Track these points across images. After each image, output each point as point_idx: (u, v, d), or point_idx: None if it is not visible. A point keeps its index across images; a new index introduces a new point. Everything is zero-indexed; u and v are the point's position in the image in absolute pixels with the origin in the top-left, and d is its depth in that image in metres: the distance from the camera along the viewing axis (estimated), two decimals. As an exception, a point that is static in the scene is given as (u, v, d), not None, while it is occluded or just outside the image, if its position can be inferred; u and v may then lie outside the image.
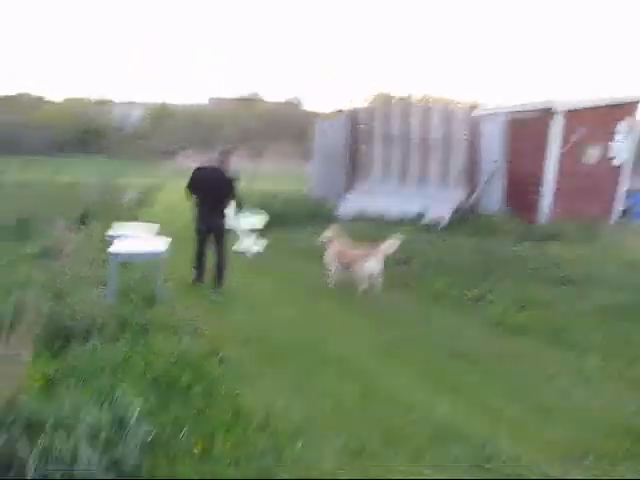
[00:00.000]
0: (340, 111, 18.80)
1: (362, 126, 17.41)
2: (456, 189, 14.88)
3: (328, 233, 10.00)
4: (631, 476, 4.14)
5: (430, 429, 4.69)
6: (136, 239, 7.02)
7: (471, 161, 14.91)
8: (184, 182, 9.56)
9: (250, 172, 36.24)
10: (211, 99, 70.55)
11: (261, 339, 6.89)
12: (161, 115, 63.05)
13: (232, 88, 67.55)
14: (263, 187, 26.10)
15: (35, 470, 2.91)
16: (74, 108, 61.26)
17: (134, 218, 16.70)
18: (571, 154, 13.71)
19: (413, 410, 5.03)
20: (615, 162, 14.25)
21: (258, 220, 13.71)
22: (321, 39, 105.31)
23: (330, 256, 9.78)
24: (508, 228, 12.64)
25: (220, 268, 9.59)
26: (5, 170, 31.50)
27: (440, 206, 14.32)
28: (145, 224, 8.85)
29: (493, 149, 14.52)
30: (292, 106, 63.19)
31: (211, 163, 9.69)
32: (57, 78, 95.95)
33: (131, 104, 66.49)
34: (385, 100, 17.36)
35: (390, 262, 11.06)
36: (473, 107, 15.54)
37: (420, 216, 14.30)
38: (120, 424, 3.23)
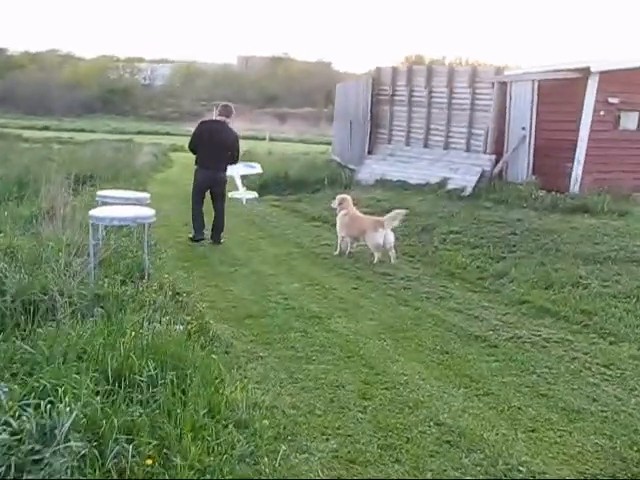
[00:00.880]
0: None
1: (384, 88, 16.56)
2: (482, 155, 14.05)
3: (337, 201, 9.68)
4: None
5: (437, 432, 4.06)
6: (121, 206, 6.40)
7: (498, 126, 14.04)
8: None
9: (271, 133, 35.99)
10: (240, 57, 69.54)
11: (255, 316, 6.32)
12: (189, 73, 62.42)
13: (262, 46, 66.61)
14: (286, 149, 25.53)
15: None
16: (102, 66, 60.90)
17: (146, 179, 16.25)
18: (607, 119, 12.80)
19: (419, 407, 4.40)
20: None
21: (250, 169, 15.11)
22: None
23: (339, 225, 9.41)
24: (536, 198, 11.83)
25: (217, 225, 9.85)
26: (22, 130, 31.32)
27: (465, 173, 13.54)
28: (135, 192, 8.23)
29: (522, 114, 13.62)
30: (323, 65, 61.97)
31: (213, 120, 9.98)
32: (87, 35, 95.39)
33: (161, 62, 65.89)
34: (413, 61, 16.45)
35: (410, 231, 10.48)
36: (501, 69, 14.58)
37: (443, 183, 13.53)
38: (49, 435, 2.64)
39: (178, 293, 5.90)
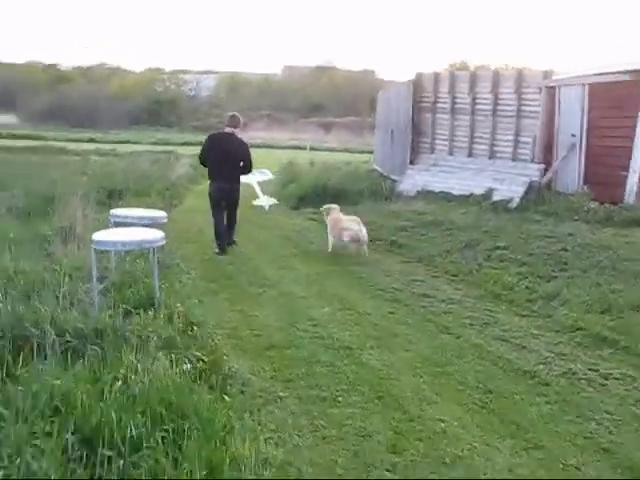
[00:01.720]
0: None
1: (426, 94, 15.93)
2: (529, 165, 13.29)
3: (325, 211, 10.62)
4: None
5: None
6: (129, 229, 5.92)
7: (547, 133, 13.28)
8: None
9: (314, 142, 35.57)
10: (284, 67, 69.54)
11: (279, 346, 5.78)
12: (234, 84, 62.56)
13: (307, 56, 66.46)
14: (328, 159, 24.99)
15: None
16: (149, 78, 61.52)
17: (182, 192, 15.92)
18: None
19: (457, 464, 3.80)
20: None
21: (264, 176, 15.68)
22: (398, 5, 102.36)
23: (328, 228, 10.28)
24: (588, 210, 11.05)
25: (230, 225, 10.10)
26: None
27: (511, 184, 12.80)
28: (151, 211, 7.74)
29: (572, 119, 12.84)
30: (367, 74, 61.36)
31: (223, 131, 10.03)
32: (136, 49, 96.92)
33: (206, 73, 66.25)
34: (457, 68, 15.78)
35: (452, 247, 9.86)
36: (549, 73, 13.78)
37: (488, 194, 12.82)
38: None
39: (192, 323, 5.38)
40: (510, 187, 12.67)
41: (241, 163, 9.84)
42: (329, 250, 10.08)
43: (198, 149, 10.41)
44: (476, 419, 4.44)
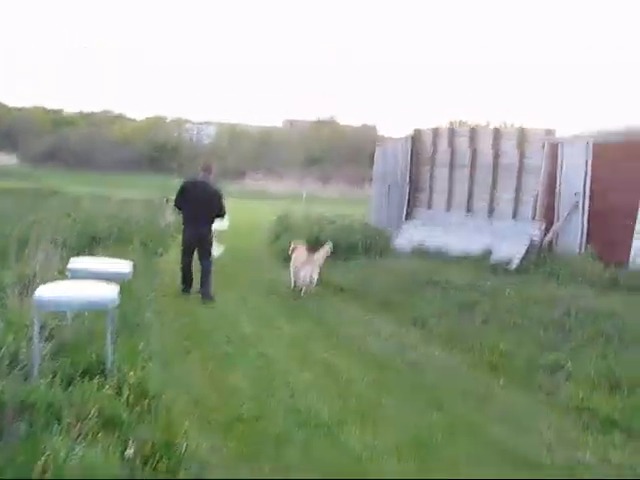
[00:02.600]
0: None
1: (425, 149, 15.52)
2: (530, 224, 12.77)
3: (290, 249, 11.21)
4: None
5: None
6: (84, 282, 5.29)
7: (548, 192, 12.80)
8: (246, 205, 10.44)
9: (313, 194, 35.16)
10: (285, 121, 69.86)
11: (248, 419, 5.12)
12: (234, 135, 62.73)
13: (308, 111, 66.92)
14: (324, 211, 24.47)
15: None
16: (151, 125, 61.70)
17: (167, 241, 15.31)
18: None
19: None
20: None
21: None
22: (398, 64, 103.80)
23: (292, 263, 10.83)
24: (592, 272, 10.47)
25: (204, 281, 10.04)
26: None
27: (511, 243, 12.24)
28: (117, 262, 7.07)
29: (574, 179, 12.38)
30: (368, 129, 61.48)
31: (196, 178, 10.39)
32: (140, 97, 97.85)
33: (206, 124, 66.54)
34: (456, 125, 15.39)
35: (448, 309, 9.25)
36: (550, 132, 13.37)
37: (487, 254, 12.26)
38: None
39: (147, 393, 4.68)
40: (510, 247, 12.12)
41: (214, 209, 10.07)
42: (291, 287, 10.59)
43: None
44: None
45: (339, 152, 55.34)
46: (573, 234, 12.31)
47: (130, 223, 14.55)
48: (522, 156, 13.28)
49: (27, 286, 6.49)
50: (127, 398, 4.35)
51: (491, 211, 13.84)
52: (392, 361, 7.10)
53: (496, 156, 13.79)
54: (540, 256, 11.70)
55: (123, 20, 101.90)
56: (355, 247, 14.11)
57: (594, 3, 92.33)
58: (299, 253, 10.83)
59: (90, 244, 11.50)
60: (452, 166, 14.83)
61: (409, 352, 7.48)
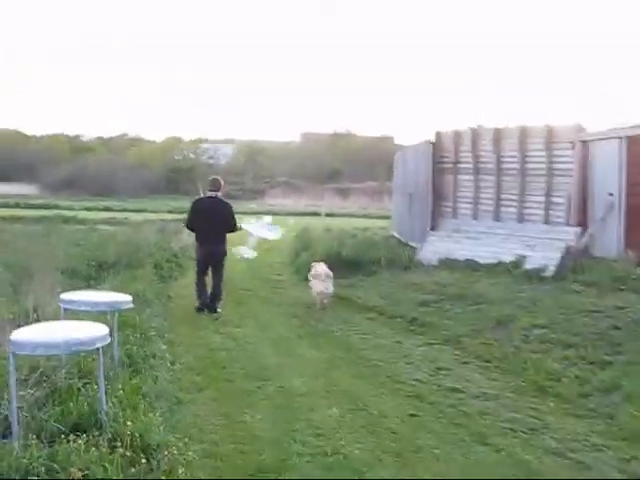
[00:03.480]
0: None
1: (446, 155, 14.82)
2: (564, 228, 12.00)
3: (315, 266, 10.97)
4: None
5: None
6: (71, 322, 4.67)
7: (582, 193, 12.04)
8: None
9: (332, 208, 34.58)
10: (302, 135, 69.66)
11: (268, 471, 4.46)
12: (252, 151, 62.57)
13: (325, 124, 66.65)
14: (345, 225, 23.80)
15: None
16: (168, 147, 61.68)
17: (185, 263, 14.72)
18: None
19: None
20: None
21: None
22: (411, 72, 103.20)
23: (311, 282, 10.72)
24: (636, 278, 9.67)
25: (215, 294, 10.07)
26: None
27: (545, 249, 11.47)
28: (114, 295, 6.42)
29: (608, 177, 11.61)
30: (386, 140, 61.00)
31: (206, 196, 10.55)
32: (156, 119, 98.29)
33: (224, 143, 66.52)
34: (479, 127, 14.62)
35: (482, 325, 8.55)
36: (580, 129, 12.61)
37: (519, 262, 11.49)
38: None
39: (149, 447, 4.02)
40: (544, 254, 11.33)
41: (226, 225, 10.08)
42: (317, 307, 10.34)
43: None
44: None
45: (356, 165, 54.86)
46: (609, 237, 11.51)
47: (142, 247, 14.00)
48: (551, 156, 12.53)
49: (28, 321, 5.93)
50: (122, 457, 3.68)
51: (521, 217, 13.08)
52: (427, 389, 6.41)
53: (523, 158, 13.05)
54: (577, 262, 10.91)
55: (133, 35, 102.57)
56: (378, 261, 13.44)
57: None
58: (318, 270, 10.68)
59: (97, 272, 10.99)
60: (477, 170, 14.11)
61: (444, 377, 6.80)
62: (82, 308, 5.33)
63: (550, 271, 10.82)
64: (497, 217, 13.64)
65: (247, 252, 13.98)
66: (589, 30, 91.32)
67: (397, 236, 17.84)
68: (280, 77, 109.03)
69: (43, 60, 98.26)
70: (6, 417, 4.08)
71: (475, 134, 14.21)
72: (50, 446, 3.68)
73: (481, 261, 12.06)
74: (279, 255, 17.51)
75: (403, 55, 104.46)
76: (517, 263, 11.45)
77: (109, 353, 5.63)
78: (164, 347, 7.46)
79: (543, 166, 12.66)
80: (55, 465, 3.43)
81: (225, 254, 10.28)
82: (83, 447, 3.58)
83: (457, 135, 14.65)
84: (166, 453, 4.00)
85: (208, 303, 9.97)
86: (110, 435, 3.91)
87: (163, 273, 12.69)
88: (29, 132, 60.78)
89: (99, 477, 3.35)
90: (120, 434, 3.91)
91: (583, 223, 11.97)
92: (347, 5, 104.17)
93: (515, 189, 13.26)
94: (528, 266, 11.23)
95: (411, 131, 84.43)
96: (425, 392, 6.30)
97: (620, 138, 11.40)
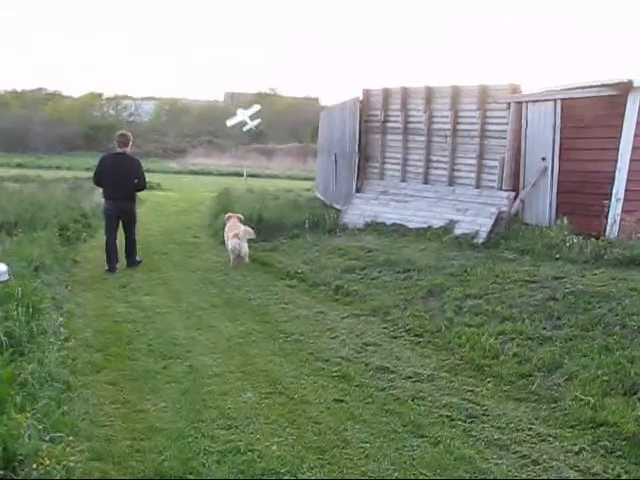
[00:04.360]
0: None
1: (375, 113, 14.09)
2: (497, 192, 11.51)
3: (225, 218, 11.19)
4: None
5: None
6: None
7: (515, 157, 11.54)
8: (184, 181, 10.25)
9: (256, 169, 33.58)
10: (226, 94, 68.15)
11: (170, 475, 3.70)
12: (175, 110, 60.85)
13: (249, 84, 65.19)
14: (268, 186, 22.89)
15: None
16: (86, 103, 59.16)
17: (96, 224, 13.62)
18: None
19: None
20: None
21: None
22: (341, 32, 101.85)
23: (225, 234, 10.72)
24: (571, 246, 9.24)
25: (129, 251, 10.04)
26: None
27: (476, 215, 10.96)
28: None
29: (542, 141, 11.15)
30: (310, 101, 60.21)
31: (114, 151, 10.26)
32: (76, 74, 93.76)
33: (146, 100, 64.34)
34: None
35: (412, 294, 7.94)
36: (516, 89, 12.06)
37: (449, 227, 10.95)
38: None
39: (8, 464, 3.17)
40: (475, 219, 10.83)
41: (135, 180, 9.89)
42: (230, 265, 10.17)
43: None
44: None
45: (281, 126, 53.88)
46: (541, 204, 11.10)
47: (49, 207, 12.81)
48: (485, 117, 11.97)
49: None
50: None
51: (451, 180, 12.53)
52: (353, 369, 5.73)
53: (455, 118, 12.45)
54: (510, 229, 10.45)
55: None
56: (302, 224, 12.70)
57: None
58: (233, 223, 10.72)
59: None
60: (406, 130, 13.45)
61: (373, 354, 6.14)
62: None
63: (482, 237, 10.34)
64: (426, 180, 13.06)
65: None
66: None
67: (321, 198, 17.15)
68: (204, 35, 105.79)
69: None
70: None
71: (405, 92, 13.50)
72: None
73: (410, 225, 11.49)
74: (198, 217, 16.58)
75: (332, 15, 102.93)
76: (447, 228, 10.91)
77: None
78: (60, 320, 6.55)
79: (476, 127, 12.08)
80: None
81: (134, 209, 10.19)
82: None
83: (386, 93, 13.90)
84: (35, 466, 3.16)
85: (115, 266, 9.71)
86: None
87: (69, 235, 11.63)
88: None
89: None
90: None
91: (517, 188, 11.50)
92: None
93: (446, 151, 12.67)
94: (458, 231, 10.72)
95: (338, 93, 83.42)
96: (351, 372, 5.62)
97: (555, 100, 10.93)
